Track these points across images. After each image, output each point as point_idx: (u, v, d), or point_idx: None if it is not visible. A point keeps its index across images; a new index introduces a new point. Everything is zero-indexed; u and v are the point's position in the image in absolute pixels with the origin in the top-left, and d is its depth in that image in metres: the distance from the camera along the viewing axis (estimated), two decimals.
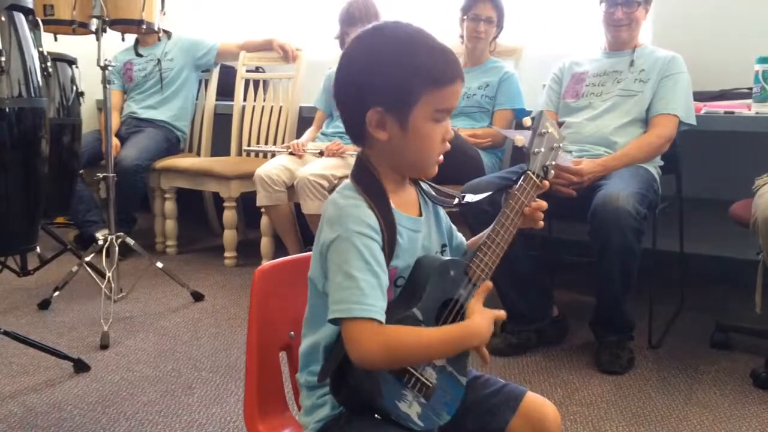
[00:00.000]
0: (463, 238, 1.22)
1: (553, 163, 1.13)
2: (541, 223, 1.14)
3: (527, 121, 1.13)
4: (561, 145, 1.13)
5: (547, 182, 1.14)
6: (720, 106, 2.64)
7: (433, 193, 1.17)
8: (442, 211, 1.19)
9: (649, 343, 2.41)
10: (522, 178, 1.12)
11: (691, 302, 2.78)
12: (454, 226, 1.22)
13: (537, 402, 1.15)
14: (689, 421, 1.88)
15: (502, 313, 1.08)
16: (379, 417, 1.02)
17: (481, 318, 1.05)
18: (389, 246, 1.02)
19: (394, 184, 1.09)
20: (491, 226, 1.12)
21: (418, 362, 1.03)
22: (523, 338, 2.36)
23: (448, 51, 1.06)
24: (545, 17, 3.51)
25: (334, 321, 1.00)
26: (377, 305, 0.98)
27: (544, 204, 1.13)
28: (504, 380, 1.18)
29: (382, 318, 0.98)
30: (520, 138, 1.13)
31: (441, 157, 1.09)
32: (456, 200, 1.18)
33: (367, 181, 1.06)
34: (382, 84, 1.02)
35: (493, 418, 1.13)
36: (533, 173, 1.12)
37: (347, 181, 1.08)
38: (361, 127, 1.06)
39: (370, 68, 1.04)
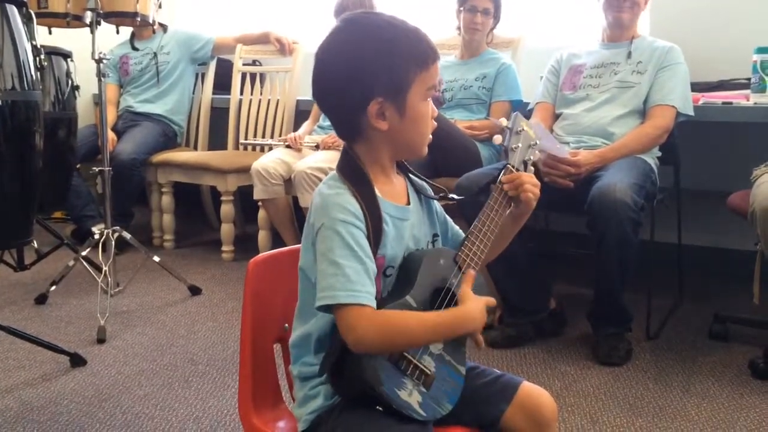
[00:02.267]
0: (460, 230, 1.22)
1: (532, 158, 1.19)
2: (532, 202, 1.15)
3: (503, 121, 1.20)
4: (538, 142, 1.20)
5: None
6: (718, 97, 2.63)
7: (427, 187, 1.18)
8: (436, 202, 1.19)
9: (647, 334, 2.40)
10: (502, 171, 1.17)
11: (689, 293, 2.78)
12: (449, 218, 1.22)
13: (533, 392, 1.15)
14: (687, 412, 1.88)
15: (491, 300, 1.10)
16: (380, 408, 1.01)
17: (474, 304, 1.06)
18: (375, 233, 1.02)
19: (381, 174, 1.10)
20: (478, 217, 1.14)
21: (413, 345, 1.03)
22: (521, 331, 2.36)
23: (423, 32, 1.09)
24: (543, 9, 3.50)
25: (323, 309, 1.01)
26: (364, 290, 0.98)
27: (525, 176, 1.15)
28: (501, 371, 1.18)
29: (371, 302, 0.99)
30: (498, 137, 1.20)
31: (430, 136, 1.11)
32: (441, 194, 1.20)
33: (352, 170, 1.06)
34: (380, 74, 1.03)
35: (489, 408, 1.12)
36: (513, 166, 1.17)
37: (333, 172, 1.08)
38: (357, 122, 1.05)
39: (363, 61, 1.03)
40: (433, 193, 1.19)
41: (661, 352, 2.28)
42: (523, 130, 1.18)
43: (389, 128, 1.05)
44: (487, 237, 1.12)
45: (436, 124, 1.11)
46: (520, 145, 1.17)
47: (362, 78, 1.03)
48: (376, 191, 1.06)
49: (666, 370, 2.15)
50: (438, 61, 1.09)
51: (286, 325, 1.21)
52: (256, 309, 1.19)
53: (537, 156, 1.20)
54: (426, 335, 1.04)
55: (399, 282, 1.07)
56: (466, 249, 1.11)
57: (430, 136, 1.11)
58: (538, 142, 1.20)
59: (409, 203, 1.13)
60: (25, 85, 1.99)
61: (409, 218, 1.11)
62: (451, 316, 1.05)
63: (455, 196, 1.22)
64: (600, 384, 2.05)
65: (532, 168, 1.19)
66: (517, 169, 1.17)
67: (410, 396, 1.02)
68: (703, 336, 2.40)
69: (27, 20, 2.08)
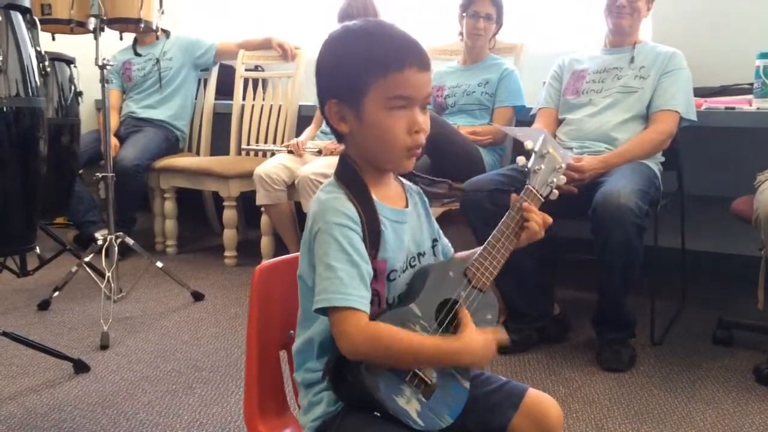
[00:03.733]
0: (450, 245, 1.23)
1: (555, 181, 1.17)
2: (536, 236, 1.15)
3: (529, 144, 1.18)
4: (563, 166, 1.18)
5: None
6: (721, 102, 2.63)
7: (425, 186, 1.18)
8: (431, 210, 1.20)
9: (651, 340, 2.40)
10: (523, 191, 1.16)
11: (692, 299, 2.78)
12: (440, 231, 1.22)
13: (539, 399, 1.14)
14: (692, 419, 1.87)
15: (503, 338, 1.08)
16: (378, 414, 1.01)
17: (477, 336, 1.04)
18: (372, 237, 1.03)
19: (377, 178, 1.10)
20: (493, 233, 1.13)
21: (402, 364, 1.01)
22: (525, 336, 2.35)
23: (398, 38, 1.05)
24: (545, 14, 3.50)
25: (320, 311, 1.01)
26: (356, 294, 0.98)
27: (548, 218, 1.15)
28: (505, 378, 1.18)
29: (364, 307, 0.99)
30: (522, 158, 1.18)
31: (415, 151, 1.06)
32: (446, 188, 1.21)
33: (348, 175, 1.07)
34: (334, 75, 1.06)
35: (495, 416, 1.12)
36: (534, 188, 1.16)
37: (331, 178, 1.09)
38: (332, 124, 1.09)
39: (325, 63, 1.08)
40: (435, 190, 1.19)
41: (665, 358, 2.28)
42: (548, 152, 1.16)
43: (350, 132, 1.06)
44: (501, 254, 1.11)
45: (422, 140, 1.06)
46: (543, 167, 1.16)
47: (322, 80, 1.08)
48: (373, 195, 1.06)
49: (670, 375, 2.15)
50: (408, 71, 1.02)
51: (291, 332, 1.21)
52: (262, 316, 1.19)
53: (563, 180, 1.18)
54: (419, 358, 1.01)
55: (407, 290, 1.07)
56: (477, 264, 1.10)
57: (416, 151, 1.06)
58: (563, 165, 1.17)
59: (407, 206, 1.13)
60: (30, 92, 1.99)
61: (407, 221, 1.11)
62: (449, 346, 1.03)
63: (460, 186, 1.23)
64: (604, 390, 2.04)
65: (556, 192, 1.17)
66: (538, 191, 1.15)
67: (408, 403, 1.01)
68: (707, 341, 2.40)
69: (31, 26, 2.08)
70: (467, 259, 1.14)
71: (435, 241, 1.17)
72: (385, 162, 1.08)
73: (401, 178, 1.17)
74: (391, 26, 1.07)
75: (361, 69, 1.03)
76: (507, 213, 1.15)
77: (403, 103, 1.03)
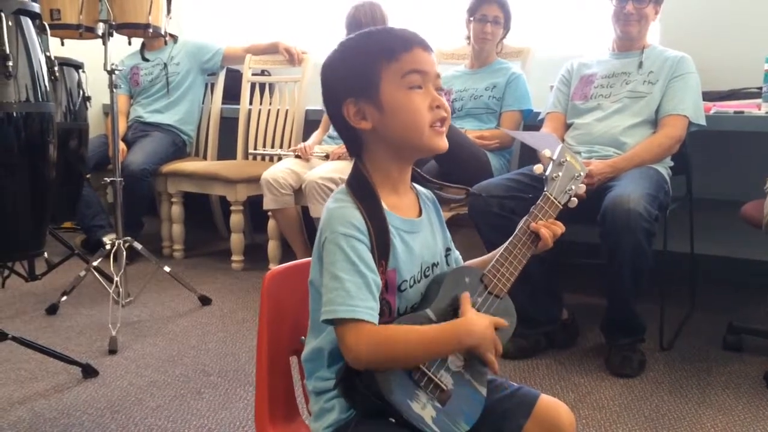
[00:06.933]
0: (460, 257, 1.22)
1: (573, 189, 1.17)
2: (550, 242, 1.14)
3: (547, 152, 1.19)
4: (582, 174, 1.18)
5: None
6: (730, 106, 2.62)
7: (443, 193, 1.18)
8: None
9: (661, 345, 2.39)
10: (541, 198, 1.16)
11: (702, 304, 2.76)
12: (451, 241, 1.21)
13: (551, 405, 1.13)
14: (703, 425, 1.86)
15: (501, 321, 1.07)
16: (392, 420, 1.00)
17: (476, 316, 1.04)
18: (381, 247, 1.02)
19: (390, 187, 1.09)
20: (509, 240, 1.13)
21: (413, 362, 1.01)
22: (533, 342, 2.34)
23: (397, 28, 1.08)
24: (552, 18, 3.50)
25: (327, 323, 1.01)
26: (363, 305, 0.98)
27: (560, 226, 1.15)
28: (517, 384, 1.17)
29: (371, 318, 0.98)
30: (539, 166, 1.19)
31: (443, 128, 1.07)
32: (464, 194, 1.22)
33: (359, 184, 1.07)
34: (345, 75, 1.06)
35: (507, 423, 1.11)
36: (551, 194, 1.16)
37: (342, 186, 1.09)
38: (350, 130, 1.07)
39: (334, 68, 1.08)
40: (450, 196, 1.19)
41: (674, 363, 2.27)
42: (566, 161, 1.17)
43: (374, 126, 1.05)
44: (518, 260, 1.11)
45: (444, 114, 1.07)
46: (561, 174, 1.16)
47: (333, 85, 1.08)
48: (384, 204, 1.06)
49: (680, 381, 2.13)
50: (416, 50, 1.05)
51: (303, 337, 1.20)
52: (273, 322, 1.19)
53: (582, 189, 1.18)
54: (425, 350, 1.01)
55: (423, 298, 1.07)
56: (493, 269, 1.10)
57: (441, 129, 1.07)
58: (582, 174, 1.18)
59: (420, 215, 1.12)
60: (39, 97, 2.00)
61: (419, 231, 1.11)
62: (451, 327, 1.03)
63: (476, 192, 1.24)
64: (614, 396, 2.03)
65: (575, 200, 1.17)
66: (556, 198, 1.16)
67: (423, 409, 1.01)
68: (716, 347, 2.39)
69: (40, 31, 2.09)
70: (480, 266, 1.13)
71: (448, 250, 1.17)
72: (416, 143, 1.06)
73: (416, 186, 1.16)
74: (390, 27, 1.11)
75: (370, 59, 1.04)
76: (524, 219, 1.15)
77: (419, 80, 1.04)
